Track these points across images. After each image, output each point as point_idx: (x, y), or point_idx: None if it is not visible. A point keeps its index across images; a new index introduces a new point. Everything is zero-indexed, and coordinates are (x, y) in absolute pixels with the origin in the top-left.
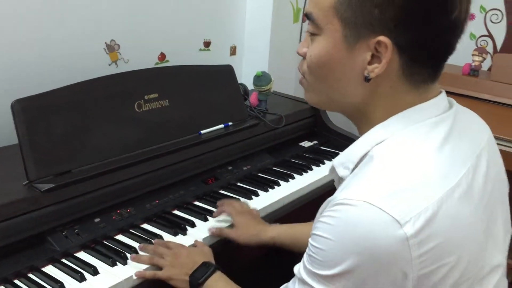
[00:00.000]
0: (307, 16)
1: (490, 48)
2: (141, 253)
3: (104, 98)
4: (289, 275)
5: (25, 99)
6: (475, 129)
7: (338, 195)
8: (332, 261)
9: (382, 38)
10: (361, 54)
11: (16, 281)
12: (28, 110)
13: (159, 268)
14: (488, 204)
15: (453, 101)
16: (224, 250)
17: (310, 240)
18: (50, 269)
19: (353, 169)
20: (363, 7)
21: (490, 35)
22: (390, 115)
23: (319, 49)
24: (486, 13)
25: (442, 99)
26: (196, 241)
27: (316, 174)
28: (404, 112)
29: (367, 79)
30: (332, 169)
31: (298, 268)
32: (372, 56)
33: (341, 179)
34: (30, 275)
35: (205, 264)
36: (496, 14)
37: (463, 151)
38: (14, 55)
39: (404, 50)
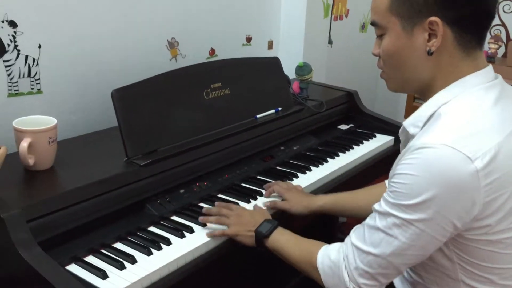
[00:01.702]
0: (372, 24)
1: (503, 37)
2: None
3: (181, 87)
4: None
5: (122, 88)
6: None
7: (415, 143)
8: (416, 192)
9: (432, 18)
10: (420, 35)
11: (129, 238)
12: (125, 98)
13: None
14: None
15: (498, 74)
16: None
17: (392, 179)
18: (153, 229)
19: (423, 126)
20: (410, 1)
21: (503, 24)
22: (450, 83)
23: (388, 44)
24: (499, 3)
25: (490, 70)
26: (255, 205)
27: (358, 152)
28: (462, 79)
29: (429, 53)
30: (403, 129)
31: (378, 204)
32: (429, 35)
33: (410, 137)
34: (139, 233)
35: (267, 221)
36: (508, 4)
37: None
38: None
39: (453, 23)
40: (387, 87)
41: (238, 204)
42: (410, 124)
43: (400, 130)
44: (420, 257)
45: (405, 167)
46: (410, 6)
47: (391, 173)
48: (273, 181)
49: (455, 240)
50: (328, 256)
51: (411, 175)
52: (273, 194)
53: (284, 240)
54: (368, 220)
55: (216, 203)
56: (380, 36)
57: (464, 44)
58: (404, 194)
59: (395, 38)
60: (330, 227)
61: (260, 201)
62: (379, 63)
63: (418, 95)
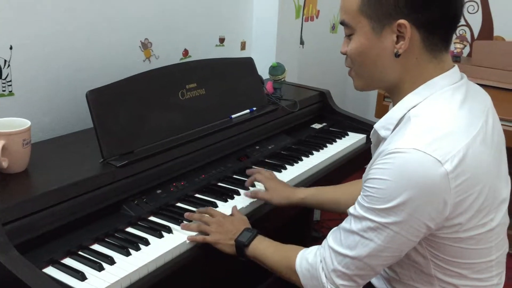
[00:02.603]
0: (341, 23)
1: (468, 37)
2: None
3: (156, 87)
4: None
5: (97, 90)
6: (482, 95)
7: (387, 148)
8: (389, 197)
9: (400, 21)
10: (388, 37)
11: (106, 239)
12: (100, 99)
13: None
14: (497, 150)
15: (463, 74)
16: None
17: (366, 183)
18: (131, 230)
19: (393, 129)
20: (380, 2)
21: (468, 25)
22: (418, 85)
23: (356, 44)
24: (464, 3)
25: (456, 71)
26: (233, 208)
27: (331, 150)
28: (429, 82)
29: (397, 55)
30: (374, 132)
31: (353, 208)
32: (397, 37)
33: (382, 139)
34: (116, 234)
35: (247, 229)
36: (472, 5)
37: (477, 110)
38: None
39: (421, 26)
40: (353, 86)
41: (215, 203)
42: (381, 127)
43: (372, 132)
44: (395, 257)
45: (377, 171)
46: (380, 8)
47: (364, 176)
48: (248, 180)
49: (427, 239)
50: (306, 259)
51: (384, 180)
52: (255, 182)
53: (263, 248)
54: (344, 224)
55: (197, 209)
56: (349, 36)
57: (431, 46)
58: (377, 198)
59: (364, 38)
60: (304, 225)
61: (237, 201)
62: (347, 61)
63: (387, 93)
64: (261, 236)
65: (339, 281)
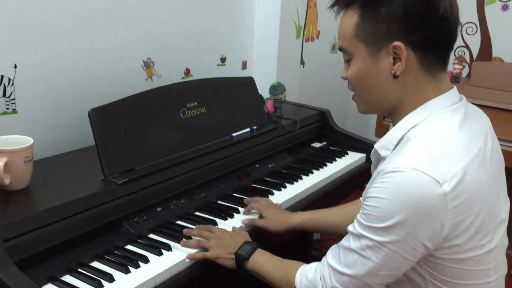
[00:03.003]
0: (340, 49)
1: (467, 57)
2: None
3: (158, 106)
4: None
5: (99, 108)
6: (481, 116)
7: (386, 167)
8: (387, 215)
9: (395, 43)
10: (385, 60)
11: (106, 256)
12: (102, 117)
13: (207, 250)
14: (495, 172)
15: (462, 95)
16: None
17: (365, 202)
18: (130, 248)
19: (393, 149)
20: (374, 27)
21: (466, 46)
22: (417, 106)
23: (355, 68)
24: (462, 26)
25: (455, 92)
26: (233, 227)
27: (331, 169)
28: (428, 102)
29: (395, 76)
30: (374, 152)
31: (352, 226)
32: (394, 59)
33: (382, 159)
34: (116, 252)
35: (247, 243)
36: (471, 26)
37: (476, 131)
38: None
39: (416, 47)
40: (357, 109)
41: (215, 221)
42: (381, 146)
43: (372, 152)
44: (393, 276)
45: (376, 190)
46: (374, 32)
47: (363, 194)
48: (249, 198)
49: (426, 259)
50: (305, 275)
51: (383, 199)
52: (252, 210)
53: (263, 261)
54: (343, 241)
55: (197, 226)
56: (348, 61)
57: (428, 66)
58: (376, 217)
59: (361, 62)
60: (304, 245)
61: (237, 219)
62: (349, 86)
63: (387, 115)
64: (261, 249)
65: None
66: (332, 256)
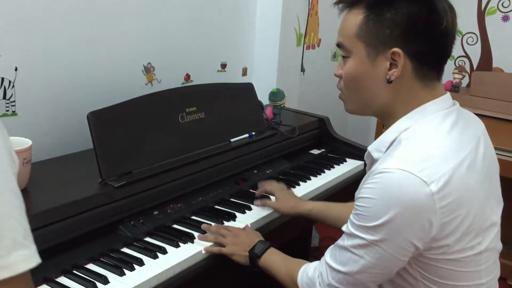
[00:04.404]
0: (338, 45)
1: (467, 67)
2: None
3: (156, 110)
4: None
5: (98, 111)
6: (474, 121)
7: (377, 168)
8: (376, 215)
9: (395, 49)
10: (382, 64)
11: (102, 259)
12: (101, 120)
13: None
14: (487, 177)
15: (455, 101)
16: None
17: (356, 202)
18: (126, 250)
19: (385, 151)
20: (377, 30)
21: (467, 56)
22: (409, 110)
23: (351, 67)
24: (462, 36)
25: (448, 97)
26: (246, 225)
27: (329, 176)
28: (421, 107)
29: (389, 81)
30: (368, 154)
31: (346, 226)
32: (390, 64)
33: (374, 161)
34: (112, 254)
35: (261, 242)
36: (471, 37)
37: (467, 135)
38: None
39: (413, 56)
40: (344, 108)
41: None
42: (374, 149)
43: (366, 154)
44: (385, 275)
45: (366, 191)
46: (377, 35)
47: (356, 195)
48: (246, 203)
49: (417, 260)
50: (306, 273)
51: (372, 199)
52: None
53: (273, 260)
54: (339, 241)
55: (214, 224)
56: (344, 58)
57: (422, 76)
58: (366, 216)
59: (358, 62)
60: (302, 252)
61: (233, 224)
62: (339, 84)
63: (378, 118)
64: (273, 248)
65: None
66: (329, 254)
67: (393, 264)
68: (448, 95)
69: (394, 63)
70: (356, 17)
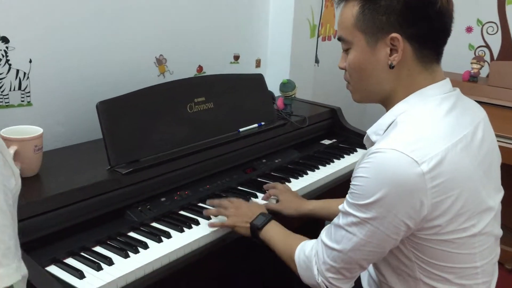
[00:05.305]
0: (339, 39)
1: (487, 57)
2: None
3: (164, 100)
4: None
5: (107, 101)
6: (474, 108)
7: (371, 148)
8: (368, 193)
9: (393, 34)
10: (382, 50)
11: (108, 242)
12: (109, 109)
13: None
14: (484, 162)
15: (457, 88)
16: None
17: (351, 181)
18: (132, 234)
19: (383, 134)
20: (374, 18)
21: (487, 45)
22: (409, 94)
23: (353, 58)
24: (482, 26)
25: (447, 82)
26: (251, 199)
27: (338, 166)
28: (420, 91)
29: (391, 67)
30: (367, 137)
31: (342, 205)
32: (391, 50)
33: (373, 144)
34: (118, 238)
35: (263, 214)
36: (492, 26)
37: (464, 120)
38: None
39: (412, 39)
40: (352, 98)
41: None
42: (372, 132)
43: (365, 137)
44: (378, 253)
45: (360, 170)
46: (374, 23)
47: (352, 175)
48: (254, 191)
49: (410, 240)
50: (303, 251)
51: (365, 178)
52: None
53: (274, 233)
54: (335, 219)
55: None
56: (346, 51)
57: (422, 58)
58: (359, 195)
59: (360, 52)
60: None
61: None
62: (346, 76)
63: (381, 105)
64: (274, 221)
65: (328, 274)
66: (325, 233)
67: (385, 243)
68: (447, 80)
69: (394, 48)
70: (352, 8)
